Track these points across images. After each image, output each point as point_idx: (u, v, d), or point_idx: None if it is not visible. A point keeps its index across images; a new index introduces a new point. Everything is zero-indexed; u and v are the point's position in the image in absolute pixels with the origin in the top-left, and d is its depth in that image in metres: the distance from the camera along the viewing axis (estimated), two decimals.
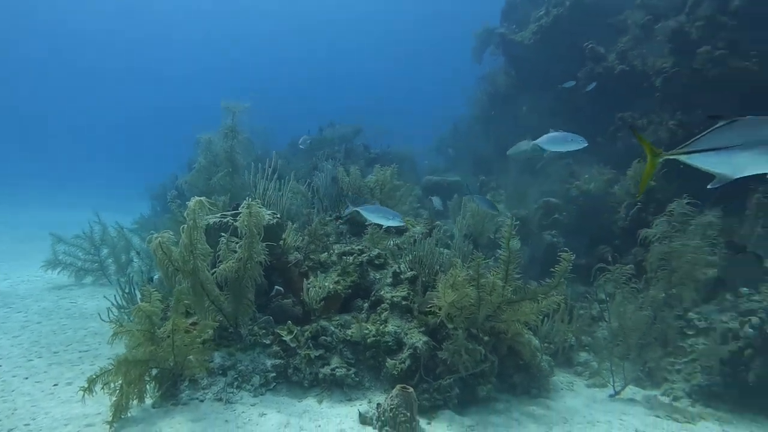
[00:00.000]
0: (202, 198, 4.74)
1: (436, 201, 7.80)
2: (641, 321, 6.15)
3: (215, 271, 5.16)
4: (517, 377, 5.75)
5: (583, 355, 6.92)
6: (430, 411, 5.01)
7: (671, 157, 3.39)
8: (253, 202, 5.06)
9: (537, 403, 5.59)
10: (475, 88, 18.73)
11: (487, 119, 17.53)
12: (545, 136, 6.66)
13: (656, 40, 13.18)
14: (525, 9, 17.32)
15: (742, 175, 3.19)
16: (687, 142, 3.32)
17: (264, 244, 5.29)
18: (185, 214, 4.76)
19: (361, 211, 5.90)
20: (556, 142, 6.54)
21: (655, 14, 13.52)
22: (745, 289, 6.89)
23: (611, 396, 6.12)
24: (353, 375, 5.21)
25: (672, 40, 12.17)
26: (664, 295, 6.34)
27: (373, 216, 5.76)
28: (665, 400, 6.15)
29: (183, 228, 4.80)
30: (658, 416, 5.58)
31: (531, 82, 16.34)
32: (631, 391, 6.27)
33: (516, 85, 16.95)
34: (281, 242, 6.13)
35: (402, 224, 5.68)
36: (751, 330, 6.03)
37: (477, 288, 5.13)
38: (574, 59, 14.76)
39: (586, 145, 6.51)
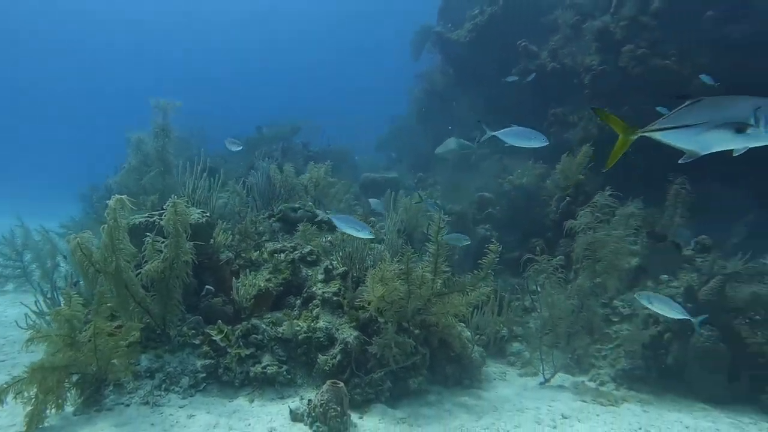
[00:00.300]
0: (122, 196, 4.62)
1: (375, 203, 7.81)
2: (568, 310, 6.35)
3: (140, 272, 5.04)
4: (450, 369, 5.84)
5: (516, 346, 7.08)
6: (363, 405, 5.03)
7: (645, 134, 3.51)
8: (179, 200, 4.97)
9: (469, 394, 5.69)
10: (413, 86, 18.90)
11: (425, 117, 17.71)
12: (508, 129, 6.59)
13: (585, 39, 13.60)
14: (461, 8, 17.56)
15: (709, 152, 3.34)
16: (658, 120, 3.44)
17: (192, 243, 5.21)
18: (105, 213, 4.63)
19: (333, 220, 5.76)
20: (518, 136, 6.49)
21: (583, 14, 13.94)
22: (665, 276, 7.21)
23: (541, 384, 6.29)
24: (285, 372, 5.19)
25: (598, 39, 12.59)
26: (590, 284, 6.57)
27: (345, 226, 5.62)
28: (592, 385, 6.37)
29: (103, 228, 4.67)
30: (584, 401, 5.77)
31: (467, 79, 16.59)
32: (560, 378, 6.46)
33: (453, 83, 17.18)
34: (212, 241, 6.04)
35: (372, 236, 5.55)
36: None
37: (407, 282, 5.18)
38: (509, 57, 15.06)
39: (547, 144, 6.49)
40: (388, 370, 5.08)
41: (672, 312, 5.24)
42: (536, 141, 6.46)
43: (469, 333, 6.24)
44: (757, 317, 6.41)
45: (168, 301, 5.21)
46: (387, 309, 5.25)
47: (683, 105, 3.32)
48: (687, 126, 3.28)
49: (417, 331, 5.39)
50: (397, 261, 5.24)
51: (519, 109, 14.81)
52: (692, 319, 5.26)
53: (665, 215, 8.01)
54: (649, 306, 5.35)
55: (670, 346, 6.24)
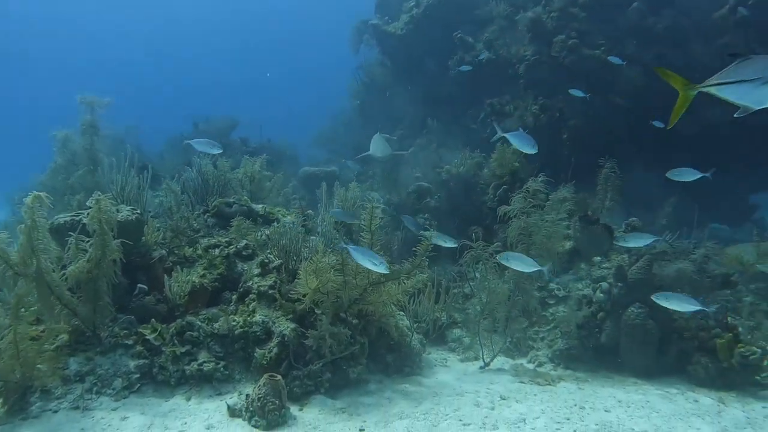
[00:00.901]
0: (40, 193, 4.43)
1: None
2: (504, 294, 6.47)
3: (65, 273, 4.86)
4: (390, 357, 5.87)
5: (457, 332, 7.17)
6: (303, 397, 5.01)
7: (704, 89, 3.57)
8: (103, 197, 4.80)
9: (409, 381, 5.74)
10: (353, 80, 18.85)
11: (364, 110, 17.72)
12: (515, 132, 6.84)
13: (518, 29, 13.86)
14: (398, 0, 17.62)
15: (761, 107, 3.42)
16: (715, 75, 3.52)
17: (121, 241, 5.05)
18: (22, 212, 4.43)
19: (351, 251, 5.57)
20: (519, 139, 6.72)
21: (516, 5, 14.19)
22: (598, 258, 7.43)
23: (481, 368, 6.39)
24: (222, 368, 5.10)
25: (531, 30, 12.85)
26: None
27: (362, 258, 5.42)
28: (530, 366, 6.52)
29: (20, 228, 4.47)
30: (522, 382, 5.90)
31: (405, 71, 16.66)
32: (500, 361, 6.58)
33: (391, 75, 17.24)
34: (143, 239, 5.88)
35: (387, 271, 5.44)
36: (601, 295, 6.51)
37: (342, 272, 5.17)
38: (446, 48, 15.19)
39: (535, 152, 6.78)
40: (326, 361, 5.06)
41: (688, 306, 5.43)
42: (532, 148, 6.71)
43: (408, 321, 6.29)
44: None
45: (97, 302, 5.04)
46: (323, 300, 5.23)
47: (736, 62, 3.41)
48: (744, 81, 3.37)
49: (355, 321, 5.39)
50: (331, 251, 5.22)
51: (457, 100, 15.01)
52: (706, 309, 5.44)
53: (597, 199, 8.26)
54: (667, 304, 5.55)
55: (603, 325, 6.44)
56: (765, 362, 5.83)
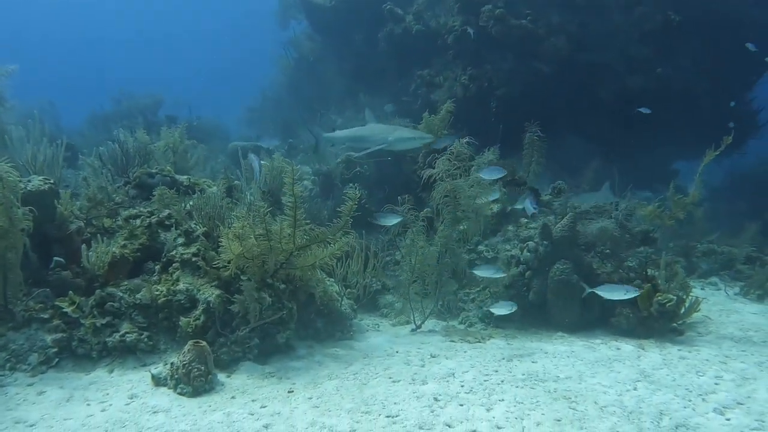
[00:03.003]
0: None
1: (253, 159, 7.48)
2: (433, 258, 6.53)
3: None
4: (320, 323, 5.84)
5: (389, 297, 7.20)
6: (231, 364, 4.92)
7: None
8: (3, 164, 4.51)
9: (340, 345, 5.73)
10: (281, 55, 18.52)
11: (294, 85, 17.46)
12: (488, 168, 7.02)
13: (447, 1, 13.88)
14: None
15: None
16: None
17: (28, 208, 4.79)
18: None
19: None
20: (491, 171, 6.90)
21: None
22: (524, 219, 7.58)
23: (413, 330, 6.45)
24: (146, 339, 4.94)
25: (459, 0, 12.89)
26: (451, 231, 6.76)
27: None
28: (461, 327, 6.63)
29: None
30: (453, 341, 5.99)
31: (335, 45, 16.49)
32: (431, 324, 6.66)
33: (321, 49, 17.03)
34: (58, 210, 5.59)
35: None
36: (528, 254, 6.66)
37: (267, 237, 5.07)
38: (376, 21, 15.08)
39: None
40: (253, 326, 4.97)
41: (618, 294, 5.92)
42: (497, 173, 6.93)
43: (337, 287, 6.26)
44: (607, 250, 6.93)
45: (7, 274, 4.77)
46: (249, 266, 5.13)
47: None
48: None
49: (282, 286, 5.31)
50: (253, 217, 5.12)
51: (387, 73, 14.96)
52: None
53: (523, 163, 8.42)
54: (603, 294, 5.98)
55: (531, 283, 6.60)
56: (681, 309, 6.14)
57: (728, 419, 3.90)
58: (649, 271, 6.49)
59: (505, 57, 12.52)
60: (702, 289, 8.43)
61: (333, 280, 6.35)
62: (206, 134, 14.69)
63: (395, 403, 4.14)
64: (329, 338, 5.85)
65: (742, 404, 4.14)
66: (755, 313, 7.17)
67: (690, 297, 6.26)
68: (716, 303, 7.69)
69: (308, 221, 5.29)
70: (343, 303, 6.15)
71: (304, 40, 17.54)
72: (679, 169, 14.39)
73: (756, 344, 5.84)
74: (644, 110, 10.19)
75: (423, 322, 6.52)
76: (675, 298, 5.96)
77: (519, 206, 7.28)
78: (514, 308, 6.04)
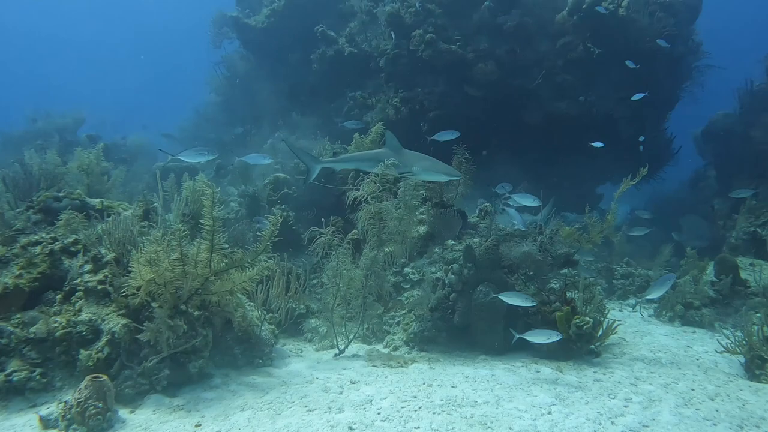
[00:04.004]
0: None
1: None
2: (358, 281, 6.43)
3: None
4: (239, 349, 5.62)
5: (313, 322, 7.04)
6: (136, 398, 4.62)
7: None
8: None
9: (258, 373, 5.52)
10: (215, 75, 18.23)
11: (227, 104, 17.19)
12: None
13: (379, 24, 14.00)
14: None
15: None
16: None
17: None
18: None
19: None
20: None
21: (376, 0, 14.35)
22: (451, 241, 7.60)
23: (336, 355, 6.30)
24: (38, 377, 4.55)
25: (390, 24, 13.01)
26: (377, 253, 6.68)
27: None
28: (385, 351, 6.53)
29: None
30: (375, 366, 5.88)
31: (269, 65, 16.37)
32: (356, 348, 6.55)
33: (254, 69, 16.86)
34: None
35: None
36: (453, 276, 6.64)
37: (182, 262, 4.87)
38: (309, 42, 15.06)
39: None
40: (162, 356, 4.72)
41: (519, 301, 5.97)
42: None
43: (257, 312, 6.07)
44: (531, 273, 7.01)
45: None
46: (161, 292, 4.89)
47: None
48: None
49: (197, 313, 5.09)
50: (168, 241, 4.90)
51: (320, 93, 14.92)
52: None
53: (450, 186, 8.45)
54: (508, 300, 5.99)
55: (455, 306, 6.57)
56: (598, 332, 6.24)
57: None
58: (569, 294, 6.58)
59: (436, 81, 12.69)
60: (620, 311, 8.66)
61: (253, 304, 6.15)
62: (132, 154, 14.22)
63: None
64: (248, 365, 5.63)
65: (647, 426, 4.21)
66: (665, 335, 7.39)
67: (607, 319, 6.38)
68: (632, 325, 7.91)
69: (228, 245, 5.11)
70: (263, 328, 5.96)
71: (237, 60, 17.34)
72: (603, 194, 14.88)
73: (664, 365, 6.00)
74: (597, 144, 10.51)
75: (346, 347, 6.38)
76: (591, 320, 6.05)
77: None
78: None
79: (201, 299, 5.15)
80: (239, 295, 5.68)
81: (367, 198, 6.54)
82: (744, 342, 5.73)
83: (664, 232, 12.75)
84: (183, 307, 5.04)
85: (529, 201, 7.86)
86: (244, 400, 4.74)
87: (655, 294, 6.86)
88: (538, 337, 5.79)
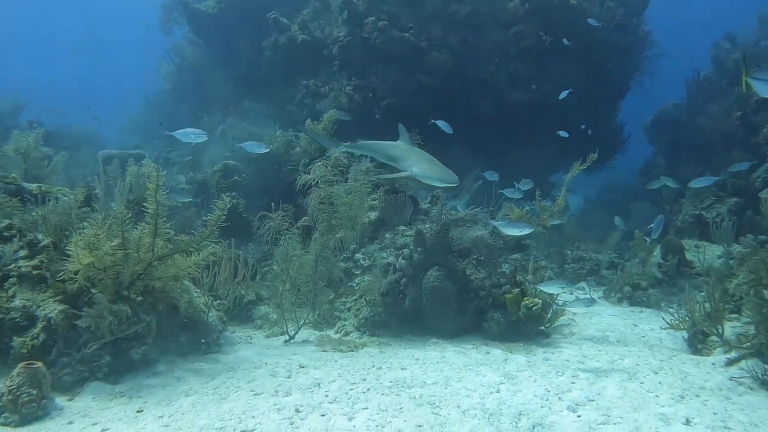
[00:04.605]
0: None
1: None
2: (307, 266, 6.36)
3: None
4: (184, 336, 5.49)
5: (264, 308, 6.95)
6: (75, 386, 4.47)
7: None
8: None
9: (205, 359, 5.41)
10: (164, 61, 17.77)
11: (178, 92, 16.80)
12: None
13: (333, 12, 13.87)
14: None
15: None
16: None
17: None
18: None
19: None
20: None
21: None
22: (402, 227, 7.59)
23: (286, 341, 6.24)
24: None
25: (343, 11, 12.90)
26: (330, 239, 6.64)
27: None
28: (336, 336, 6.48)
29: None
30: (325, 350, 5.84)
31: (220, 52, 16.04)
32: (307, 333, 6.49)
33: (205, 56, 16.51)
34: None
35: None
36: (404, 261, 6.63)
37: (123, 246, 4.71)
38: (261, 29, 14.83)
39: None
40: (103, 343, 4.57)
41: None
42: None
43: (204, 298, 5.94)
44: (482, 258, 7.05)
45: None
46: (102, 277, 4.73)
47: None
48: None
49: (140, 298, 4.94)
50: (109, 224, 4.74)
51: (273, 81, 14.71)
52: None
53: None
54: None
55: (406, 290, 6.56)
56: (548, 313, 6.33)
57: (579, 416, 3.99)
58: (519, 276, 6.65)
59: (389, 69, 12.64)
60: (571, 293, 8.81)
61: (200, 290, 6.02)
62: (78, 141, 13.77)
63: (253, 417, 3.92)
64: (194, 352, 5.50)
65: (593, 401, 4.27)
66: (613, 315, 7.54)
67: (556, 301, 6.48)
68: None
69: (172, 230, 4.98)
70: (210, 314, 5.84)
71: (187, 46, 16.92)
72: (556, 182, 15.10)
73: (611, 343, 6.13)
74: (562, 133, 10.58)
75: (296, 333, 6.32)
76: (540, 302, 6.12)
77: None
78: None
79: (144, 284, 5.01)
80: (185, 281, 5.55)
81: (317, 182, 6.46)
82: (687, 318, 5.88)
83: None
84: (125, 292, 4.89)
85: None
86: (189, 385, 4.64)
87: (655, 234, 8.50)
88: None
